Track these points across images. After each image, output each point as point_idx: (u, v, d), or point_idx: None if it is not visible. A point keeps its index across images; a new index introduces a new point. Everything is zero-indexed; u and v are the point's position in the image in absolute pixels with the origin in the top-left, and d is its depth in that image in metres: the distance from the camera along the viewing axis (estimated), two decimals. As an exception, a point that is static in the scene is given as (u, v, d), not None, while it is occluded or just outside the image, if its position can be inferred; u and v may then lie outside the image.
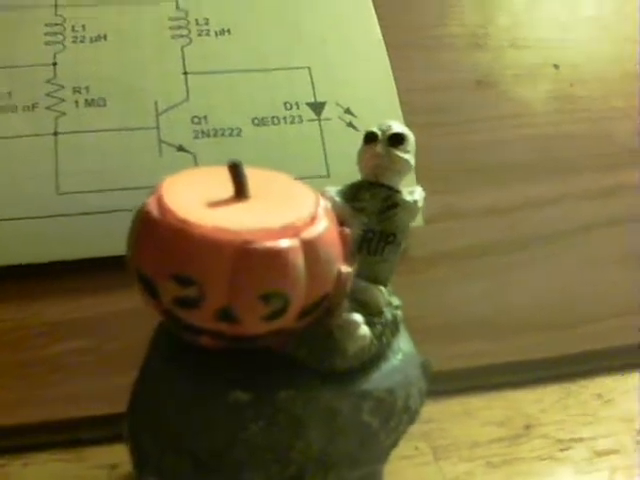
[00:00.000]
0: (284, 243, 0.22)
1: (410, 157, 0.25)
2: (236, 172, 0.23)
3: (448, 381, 0.33)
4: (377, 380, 0.25)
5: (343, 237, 0.24)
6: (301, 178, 0.37)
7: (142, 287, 0.23)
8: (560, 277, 0.38)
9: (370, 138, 0.26)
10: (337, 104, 0.39)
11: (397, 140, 0.25)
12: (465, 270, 0.37)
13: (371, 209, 0.25)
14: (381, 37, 0.42)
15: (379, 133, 0.26)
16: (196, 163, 0.37)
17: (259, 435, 0.24)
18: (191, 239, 0.22)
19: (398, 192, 0.26)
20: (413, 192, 0.26)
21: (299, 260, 0.22)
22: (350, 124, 0.39)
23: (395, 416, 0.25)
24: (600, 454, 0.32)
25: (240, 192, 0.23)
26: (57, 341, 0.34)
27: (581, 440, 0.33)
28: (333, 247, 0.23)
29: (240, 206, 0.23)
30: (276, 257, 0.22)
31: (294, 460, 0.24)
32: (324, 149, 0.38)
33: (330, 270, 0.23)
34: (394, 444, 0.26)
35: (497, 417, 0.34)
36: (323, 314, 0.24)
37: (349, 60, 0.41)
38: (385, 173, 0.25)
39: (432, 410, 0.31)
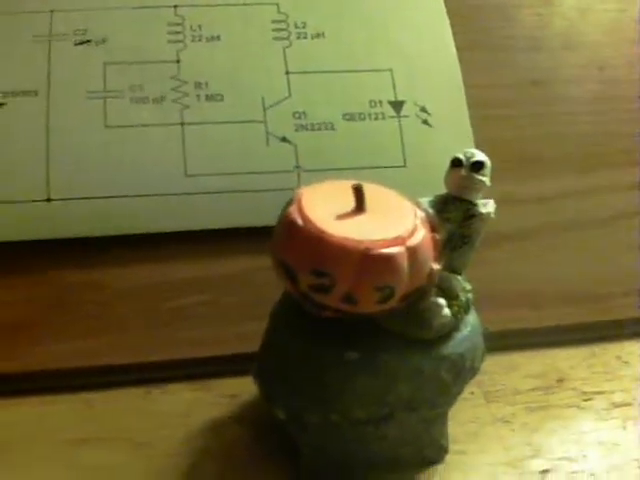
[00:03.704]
0: (394, 250, 0.30)
1: (487, 179, 0.33)
2: (358, 193, 0.31)
3: (498, 340, 0.41)
4: (452, 347, 0.33)
5: (434, 242, 0.32)
6: (382, 167, 0.46)
7: (282, 272, 0.32)
8: (594, 258, 0.45)
9: (456, 163, 0.33)
10: (414, 103, 0.47)
11: (477, 166, 0.33)
12: (515, 250, 0.45)
13: (454, 218, 0.33)
14: (452, 42, 0.49)
15: (464, 159, 0.33)
16: (297, 152, 0.45)
17: (363, 384, 0.33)
18: (328, 245, 0.30)
19: (476, 205, 0.33)
20: (487, 204, 0.34)
21: (404, 262, 0.30)
22: (425, 121, 0.46)
23: (463, 373, 0.34)
24: (617, 405, 0.40)
25: (360, 208, 0.31)
26: (184, 295, 0.42)
27: (602, 393, 0.41)
28: (428, 250, 0.31)
29: (360, 219, 0.31)
30: (388, 260, 0.30)
31: (388, 403, 0.33)
32: (402, 143, 0.46)
33: (425, 268, 0.31)
34: (460, 392, 0.35)
35: (535, 371, 0.42)
36: (417, 298, 0.32)
37: (425, 62, 0.48)
38: (466, 191, 0.33)
39: (486, 363, 0.38)
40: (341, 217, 0.31)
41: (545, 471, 0.36)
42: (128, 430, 0.37)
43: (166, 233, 0.43)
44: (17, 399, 0.37)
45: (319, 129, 0.45)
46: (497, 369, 0.41)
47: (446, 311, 0.33)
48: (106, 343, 0.40)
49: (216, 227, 0.43)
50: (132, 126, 0.44)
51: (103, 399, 0.38)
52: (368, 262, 0.30)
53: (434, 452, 0.36)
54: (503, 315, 0.43)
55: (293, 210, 0.31)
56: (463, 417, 0.38)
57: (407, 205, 0.32)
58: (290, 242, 0.31)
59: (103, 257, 0.42)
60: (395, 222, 0.31)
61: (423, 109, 0.47)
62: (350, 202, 0.32)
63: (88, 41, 0.46)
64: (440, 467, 0.36)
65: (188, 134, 0.44)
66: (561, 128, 0.49)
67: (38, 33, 0.45)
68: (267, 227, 0.41)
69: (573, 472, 0.36)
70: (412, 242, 0.31)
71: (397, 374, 0.33)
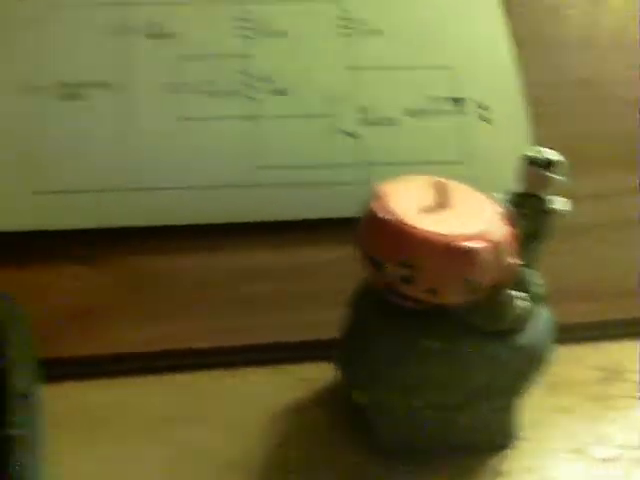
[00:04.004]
0: (478, 245, 0.31)
1: (561, 177, 0.34)
2: (441, 189, 0.33)
3: (560, 333, 0.43)
4: (526, 337, 0.35)
5: (513, 237, 0.33)
6: (442, 163, 0.47)
7: (368, 264, 0.33)
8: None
9: (532, 161, 0.34)
10: (473, 100, 0.48)
11: (551, 164, 0.34)
12: (572, 245, 0.46)
13: (530, 215, 0.35)
14: (508, 39, 0.50)
15: (538, 157, 0.34)
16: (362, 146, 0.46)
17: (442, 372, 0.34)
18: (416, 238, 0.31)
19: (549, 202, 0.35)
20: (560, 202, 0.35)
21: (487, 256, 0.32)
22: (484, 118, 0.48)
23: (536, 363, 0.35)
24: (673, 397, 0.42)
25: (443, 203, 0.33)
26: (255, 282, 0.43)
27: (658, 386, 0.42)
28: (508, 245, 0.33)
29: (444, 213, 0.33)
30: (472, 254, 0.31)
31: (463, 390, 0.35)
32: (461, 139, 0.47)
33: (505, 262, 0.33)
34: (532, 381, 0.36)
35: (593, 363, 0.43)
36: (494, 291, 0.33)
37: (482, 59, 0.49)
38: (542, 189, 0.34)
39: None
40: (424, 211, 0.32)
41: (608, 459, 0.38)
42: (214, 411, 0.38)
43: (238, 224, 0.44)
44: (110, 380, 0.38)
45: (382, 124, 0.47)
46: (558, 361, 0.42)
47: (520, 304, 0.34)
48: (192, 328, 0.41)
49: (286, 219, 0.45)
50: (205, 119, 0.46)
51: (191, 381, 0.40)
52: (453, 255, 0.31)
53: (504, 439, 0.37)
54: (563, 308, 0.44)
55: (379, 204, 0.33)
56: (527, 405, 0.40)
57: (486, 201, 0.34)
58: (377, 235, 0.33)
59: (181, 245, 0.44)
60: (476, 217, 0.33)
61: (482, 106, 0.48)
62: (429, 197, 0.33)
63: (161, 35, 0.47)
64: (508, 452, 0.37)
65: (258, 128, 0.46)
66: (611, 127, 0.51)
67: (113, 25, 0.47)
68: (336, 219, 0.43)
69: (637, 460, 0.38)
70: (494, 237, 0.32)
71: (474, 363, 0.34)
